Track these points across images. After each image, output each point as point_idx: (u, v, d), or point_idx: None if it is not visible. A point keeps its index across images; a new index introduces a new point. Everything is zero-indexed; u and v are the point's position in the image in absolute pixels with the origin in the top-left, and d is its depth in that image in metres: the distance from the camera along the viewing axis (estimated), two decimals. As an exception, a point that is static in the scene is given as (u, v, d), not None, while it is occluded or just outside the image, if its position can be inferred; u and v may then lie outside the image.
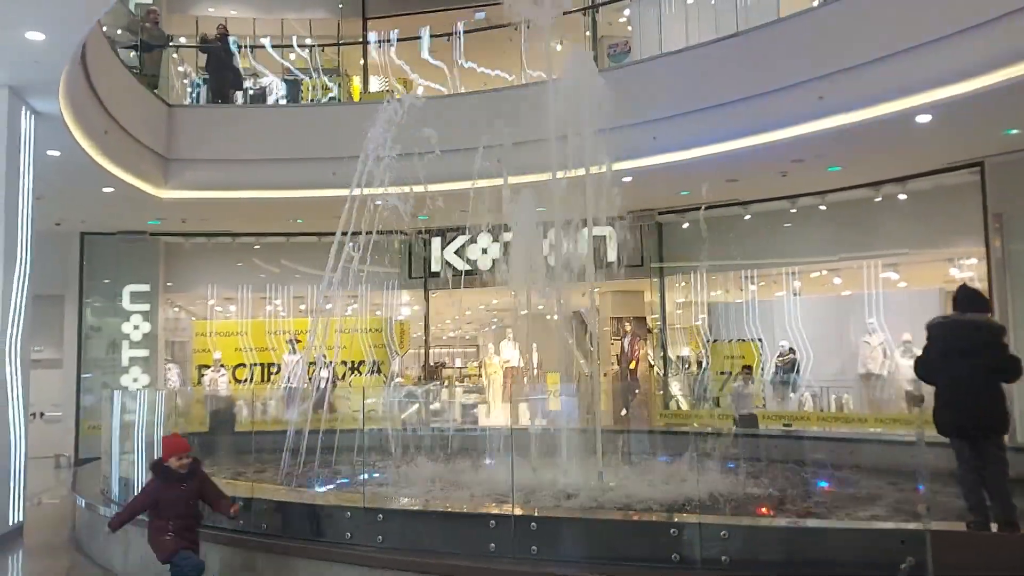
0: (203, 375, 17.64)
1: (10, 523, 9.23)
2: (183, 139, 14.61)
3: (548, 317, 10.99)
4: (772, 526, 5.78)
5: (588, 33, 15.75)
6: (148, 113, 13.96)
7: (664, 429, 14.19)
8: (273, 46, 17.89)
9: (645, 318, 18.28)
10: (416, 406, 15.48)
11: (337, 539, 6.02)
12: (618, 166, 10.31)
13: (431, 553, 5.66)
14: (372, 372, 17.72)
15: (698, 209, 15.80)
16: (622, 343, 17.78)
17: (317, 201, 14.81)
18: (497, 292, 18.90)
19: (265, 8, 19.35)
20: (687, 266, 16.33)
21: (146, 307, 17.46)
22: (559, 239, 9.34)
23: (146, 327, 17.38)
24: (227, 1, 19.30)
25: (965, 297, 5.96)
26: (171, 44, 16.69)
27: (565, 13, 10.60)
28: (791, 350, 15.45)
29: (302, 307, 18.28)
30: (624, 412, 15.98)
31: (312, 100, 17.11)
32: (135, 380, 17.10)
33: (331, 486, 8.75)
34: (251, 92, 16.77)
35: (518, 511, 5.74)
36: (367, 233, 9.41)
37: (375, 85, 18.16)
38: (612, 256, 15.36)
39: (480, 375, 21.24)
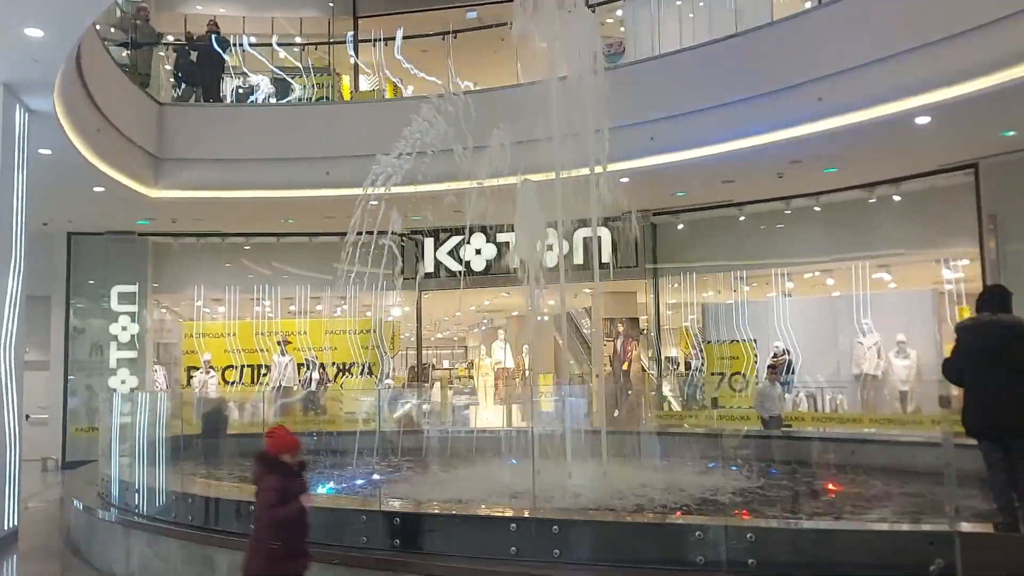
0: (192, 377, 17.44)
1: (5, 527, 9.04)
2: (174, 138, 14.48)
3: (539, 318, 10.95)
4: (798, 528, 5.73)
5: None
6: (139, 112, 13.81)
7: (659, 430, 14.12)
8: (263, 44, 17.73)
9: (638, 319, 18.27)
10: (408, 406, 15.44)
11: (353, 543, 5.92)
12: (614, 167, 10.29)
13: (451, 558, 5.57)
14: (363, 374, 17.59)
15: (693, 210, 15.85)
16: (615, 344, 17.74)
17: (309, 201, 14.71)
18: (490, 293, 18.82)
19: (255, 6, 19.19)
20: (681, 267, 16.34)
21: (134, 308, 17.21)
22: (559, 239, 9.30)
23: (134, 328, 17.13)
24: (216, -1, 19.14)
25: (994, 297, 5.91)
26: (161, 42, 16.49)
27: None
28: (785, 351, 15.46)
29: (292, 308, 18.13)
30: (616, 413, 15.93)
31: (301, 100, 16.95)
32: (123, 382, 16.85)
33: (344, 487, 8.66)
34: (240, 91, 16.62)
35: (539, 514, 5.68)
36: (379, 233, 9.30)
37: (364, 84, 18.07)
38: (607, 257, 15.40)
39: (471, 376, 21.15)
